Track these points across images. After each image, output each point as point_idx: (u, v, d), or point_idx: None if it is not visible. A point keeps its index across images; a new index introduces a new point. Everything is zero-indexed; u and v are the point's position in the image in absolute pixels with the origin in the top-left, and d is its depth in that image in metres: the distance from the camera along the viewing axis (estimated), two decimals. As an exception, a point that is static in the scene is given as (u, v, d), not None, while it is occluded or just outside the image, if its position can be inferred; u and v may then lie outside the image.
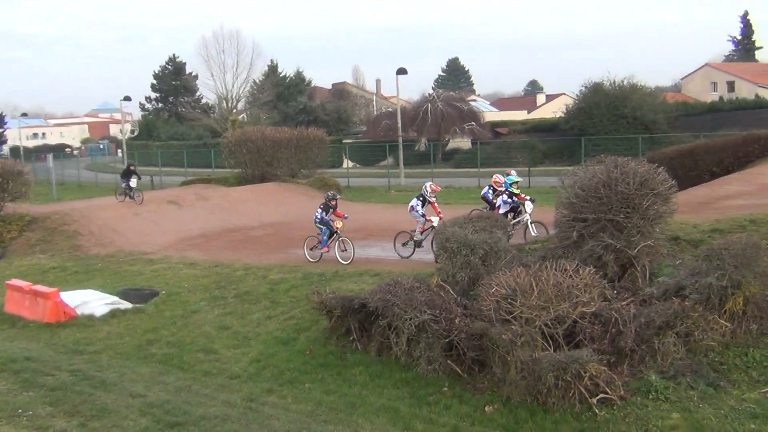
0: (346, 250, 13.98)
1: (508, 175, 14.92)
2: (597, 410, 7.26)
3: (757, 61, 68.68)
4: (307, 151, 29.62)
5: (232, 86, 59.41)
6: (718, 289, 7.88)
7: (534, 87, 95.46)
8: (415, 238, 14.10)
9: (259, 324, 11.02)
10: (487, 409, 7.81)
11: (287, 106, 59.24)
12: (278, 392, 8.69)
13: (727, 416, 6.87)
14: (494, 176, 16.19)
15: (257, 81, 62.88)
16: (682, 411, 7.05)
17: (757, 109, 42.83)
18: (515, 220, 13.97)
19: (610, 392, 7.37)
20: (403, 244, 14.22)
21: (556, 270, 8.48)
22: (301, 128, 33.09)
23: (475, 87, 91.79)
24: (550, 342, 8.04)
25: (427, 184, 14.55)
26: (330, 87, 68.54)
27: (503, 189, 14.59)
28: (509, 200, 14.17)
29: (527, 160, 36.97)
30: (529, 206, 13.84)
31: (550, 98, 66.25)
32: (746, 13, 71.85)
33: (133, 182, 22.24)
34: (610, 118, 43.04)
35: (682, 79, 65.78)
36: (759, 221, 9.90)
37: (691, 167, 19.53)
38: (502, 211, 14.17)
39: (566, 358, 7.36)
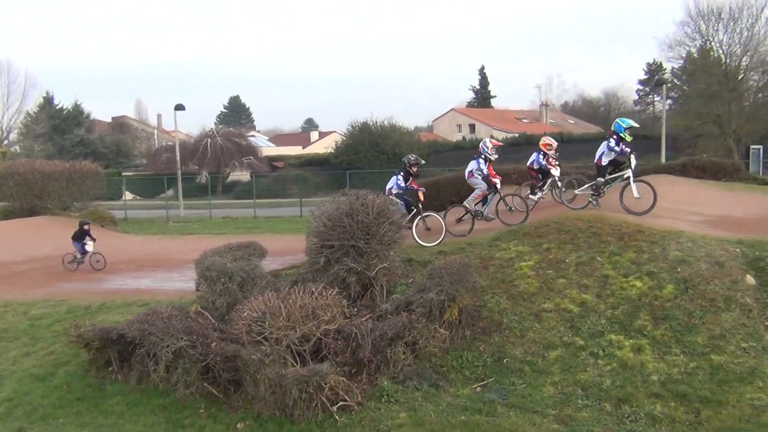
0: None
1: (620, 119, 12.67)
2: (337, 417, 8.05)
3: (492, 107, 78.25)
4: (80, 184, 28.46)
5: (2, 117, 55.79)
6: (438, 303, 9.14)
7: (310, 124, 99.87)
8: (472, 210, 12.98)
9: (15, 362, 10.48)
10: (239, 426, 8.26)
11: (63, 138, 57.12)
12: (29, 430, 8.42)
13: (444, 411, 8.02)
14: (544, 138, 15.54)
15: (31, 113, 59.85)
16: (408, 410, 8.08)
17: (492, 147, 48.71)
18: (613, 176, 12.39)
19: (348, 399, 8.21)
20: (458, 220, 13.19)
21: (303, 293, 9.28)
22: (74, 161, 31.46)
23: (255, 123, 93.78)
24: (298, 359, 8.75)
25: (486, 140, 13.47)
26: (110, 120, 67.00)
27: (614, 133, 12.14)
28: (618, 148, 12.07)
29: (301, 192, 38.60)
30: (633, 160, 12.09)
31: (323, 135, 69.90)
32: (483, 68, 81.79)
33: None
34: (373, 153, 46.84)
35: (434, 120, 72.92)
36: (475, 243, 11.58)
37: (436, 197, 21.81)
38: (605, 161, 12.41)
39: (309, 372, 8.08)
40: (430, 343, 9.03)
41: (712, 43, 50.09)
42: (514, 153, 45.17)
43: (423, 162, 13.97)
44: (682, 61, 54.93)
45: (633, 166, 12.14)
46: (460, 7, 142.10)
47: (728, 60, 49.34)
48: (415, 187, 13.08)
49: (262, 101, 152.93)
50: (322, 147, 56.88)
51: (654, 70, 68.68)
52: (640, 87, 74.20)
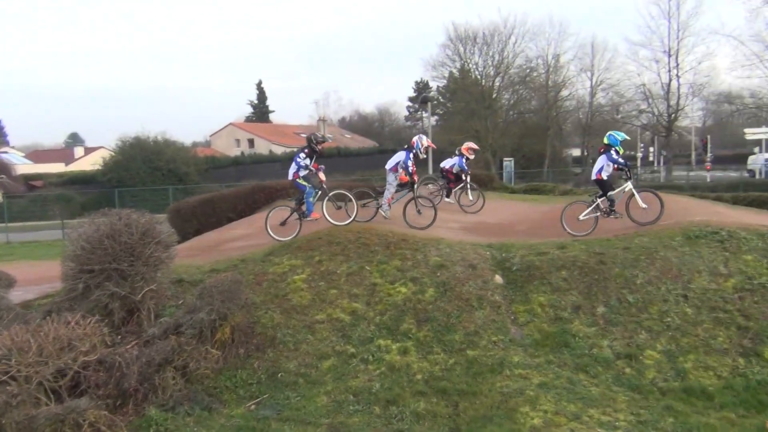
0: None
1: (613, 131, 12.99)
2: (99, 454, 7.48)
3: (271, 122, 78.60)
4: None
5: None
6: (209, 323, 8.91)
7: (75, 139, 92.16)
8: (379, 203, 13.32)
9: None
10: (-18, 481, 7.33)
11: None
12: None
13: (217, 433, 7.83)
14: (468, 143, 17.32)
15: None
16: (179, 437, 7.76)
17: (270, 162, 49.10)
18: (615, 191, 12.55)
19: (112, 434, 7.67)
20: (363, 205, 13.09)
21: (58, 323, 8.48)
22: None
23: (8, 138, 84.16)
24: (53, 396, 7.98)
25: (423, 137, 13.59)
26: None
27: (609, 146, 12.36)
28: (621, 159, 12.35)
29: (64, 213, 35.48)
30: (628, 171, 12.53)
31: (89, 151, 64.99)
32: (260, 82, 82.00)
33: None
34: (146, 170, 44.49)
35: (211, 135, 71.21)
36: (248, 259, 11.49)
37: (212, 214, 21.27)
38: (605, 176, 12.50)
39: (64, 409, 7.41)
40: (202, 365, 8.75)
41: (470, 65, 55.00)
42: (294, 167, 45.95)
43: (330, 137, 13.91)
44: (445, 81, 59.68)
45: (632, 177, 12.74)
46: (236, 21, 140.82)
47: (484, 80, 54.47)
48: (315, 167, 12.70)
49: (17, 114, 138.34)
50: (88, 164, 52.75)
51: (421, 88, 73.69)
52: (410, 104, 79.16)
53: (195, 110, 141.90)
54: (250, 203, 21.31)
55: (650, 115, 49.59)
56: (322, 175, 12.70)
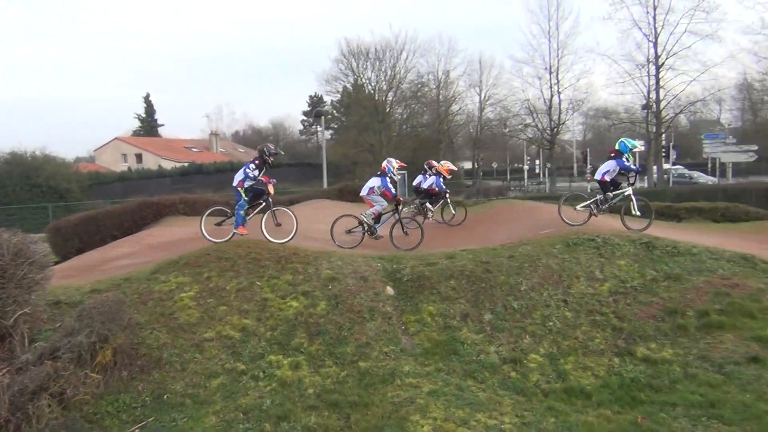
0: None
1: (625, 139, 13.69)
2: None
3: (160, 136, 76.15)
4: None
5: None
6: (89, 345, 8.47)
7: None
8: (367, 223, 13.68)
9: None
10: None
11: None
12: None
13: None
14: (446, 164, 17.17)
15: None
16: (55, 469, 7.31)
17: (160, 177, 47.49)
18: (616, 193, 13.42)
19: (-22, 470, 7.13)
20: (348, 231, 13.67)
21: None
22: None
23: None
24: None
25: (392, 160, 14.10)
26: None
27: (620, 152, 13.25)
28: (634, 166, 13.23)
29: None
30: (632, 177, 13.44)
31: (-44, 167, 59.81)
32: (148, 95, 79.24)
33: None
34: (23, 187, 42.01)
35: (96, 150, 68.08)
36: (132, 278, 11.03)
37: (95, 232, 20.32)
38: (608, 178, 13.33)
39: None
40: (81, 390, 8.29)
41: (363, 79, 55.68)
42: (184, 182, 44.61)
43: (282, 153, 13.76)
44: (339, 95, 60.10)
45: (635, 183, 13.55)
46: (121, 32, 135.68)
47: (377, 95, 55.30)
48: (265, 179, 12.48)
49: None
50: (-46, 182, 49.01)
51: (315, 102, 73.76)
52: (305, 118, 78.98)
53: (78, 124, 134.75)
54: (137, 220, 20.57)
55: (535, 129, 52.01)
56: (271, 189, 12.56)
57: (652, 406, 8.32)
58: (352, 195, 21.57)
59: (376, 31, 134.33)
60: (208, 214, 12.93)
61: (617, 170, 13.38)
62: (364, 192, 13.97)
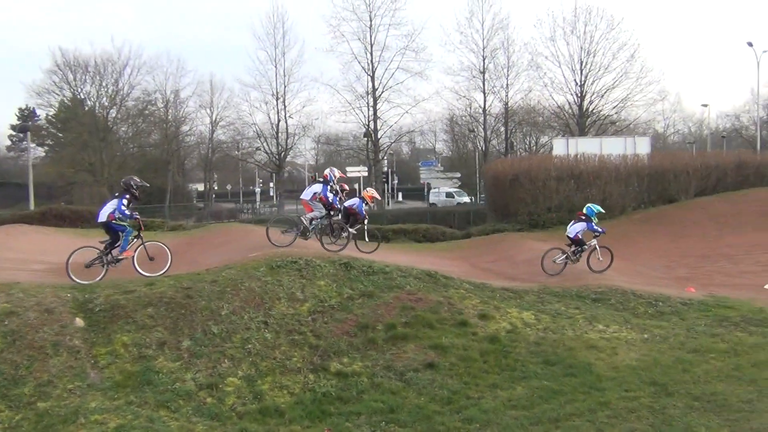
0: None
1: (590, 204, 17.15)
2: None
3: None
4: None
5: None
6: None
7: None
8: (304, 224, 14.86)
9: None
10: None
11: None
12: None
13: None
14: (371, 191, 17.79)
15: None
16: None
17: None
18: (582, 247, 16.41)
19: None
20: (283, 232, 14.70)
21: None
22: None
23: None
24: None
25: (334, 169, 15.24)
26: None
27: (589, 217, 16.54)
28: (600, 228, 16.62)
29: None
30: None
31: None
32: None
33: None
34: None
35: None
36: None
37: None
38: (580, 235, 16.40)
39: None
40: None
41: (82, 94, 51.65)
42: None
43: (148, 185, 13.51)
44: (54, 109, 54.93)
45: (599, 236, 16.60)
46: None
47: (98, 111, 51.64)
48: (136, 214, 12.41)
49: None
50: None
51: (27, 116, 66.48)
52: (13, 132, 70.77)
53: None
54: None
55: (264, 153, 52.69)
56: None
57: (340, 417, 8.85)
58: (56, 219, 19.76)
59: (96, 43, 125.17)
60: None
61: (591, 230, 16.40)
62: (306, 196, 15.01)
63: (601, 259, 16.44)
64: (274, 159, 51.29)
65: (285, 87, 49.75)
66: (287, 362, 9.98)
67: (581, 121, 49.53)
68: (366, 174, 51.52)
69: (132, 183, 12.34)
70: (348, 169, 56.95)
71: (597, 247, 16.54)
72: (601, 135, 45.25)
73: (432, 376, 9.77)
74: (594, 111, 50.43)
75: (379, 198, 20.06)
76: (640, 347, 10.85)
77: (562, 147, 32.33)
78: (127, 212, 12.10)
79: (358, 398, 9.33)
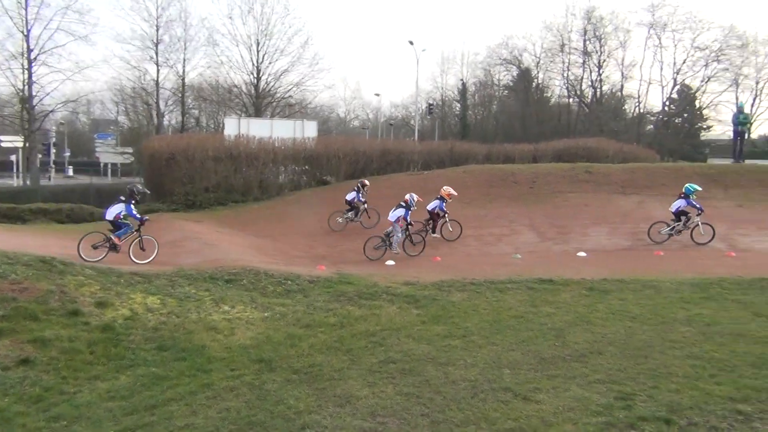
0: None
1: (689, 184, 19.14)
2: None
3: None
4: None
5: None
6: None
7: None
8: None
9: None
10: None
11: None
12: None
13: None
14: (448, 189, 19.33)
15: None
16: None
17: None
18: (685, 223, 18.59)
19: None
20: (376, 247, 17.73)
21: None
22: None
23: None
24: None
25: (414, 195, 18.01)
26: None
27: (687, 194, 18.63)
28: (698, 205, 18.51)
29: None
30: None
31: None
32: None
33: None
34: None
35: None
36: None
37: None
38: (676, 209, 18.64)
39: None
40: None
41: None
42: None
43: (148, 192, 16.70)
44: None
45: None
46: None
47: None
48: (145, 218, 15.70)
49: None
50: None
51: None
52: None
53: None
54: None
55: None
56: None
57: None
58: None
59: None
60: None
61: (691, 207, 18.32)
62: (392, 218, 17.57)
63: (703, 233, 18.46)
64: None
65: None
66: None
67: (257, 101, 50.22)
68: (21, 145, 45.85)
69: (135, 189, 15.18)
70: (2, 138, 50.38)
71: (699, 223, 18.43)
72: (273, 117, 46.45)
73: (25, 373, 8.91)
74: (270, 92, 51.47)
75: (456, 195, 19.73)
76: (258, 326, 11.09)
77: (233, 127, 32.23)
78: (139, 216, 14.98)
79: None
